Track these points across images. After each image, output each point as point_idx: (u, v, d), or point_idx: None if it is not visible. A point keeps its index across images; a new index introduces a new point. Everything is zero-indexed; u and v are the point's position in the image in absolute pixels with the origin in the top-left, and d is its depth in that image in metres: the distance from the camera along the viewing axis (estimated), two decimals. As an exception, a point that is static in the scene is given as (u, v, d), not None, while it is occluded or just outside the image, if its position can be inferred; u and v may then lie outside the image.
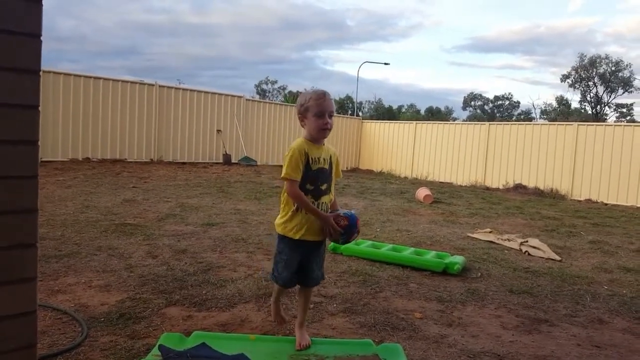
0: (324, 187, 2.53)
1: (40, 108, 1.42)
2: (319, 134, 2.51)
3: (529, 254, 5.49)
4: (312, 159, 2.49)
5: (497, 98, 70.89)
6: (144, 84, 13.27)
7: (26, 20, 1.36)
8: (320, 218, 2.48)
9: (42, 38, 1.40)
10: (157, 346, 2.39)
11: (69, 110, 11.63)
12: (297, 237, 2.50)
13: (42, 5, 1.39)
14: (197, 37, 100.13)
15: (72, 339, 2.61)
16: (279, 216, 2.60)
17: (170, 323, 2.93)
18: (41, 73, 1.44)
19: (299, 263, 2.56)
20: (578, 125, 13.25)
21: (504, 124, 15.09)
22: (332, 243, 4.97)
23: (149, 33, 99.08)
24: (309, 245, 2.54)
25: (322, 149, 2.56)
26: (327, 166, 2.56)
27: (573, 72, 53.93)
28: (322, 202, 2.53)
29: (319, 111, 2.46)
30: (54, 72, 11.43)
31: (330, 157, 2.60)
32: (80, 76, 11.95)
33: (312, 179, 2.48)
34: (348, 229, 2.47)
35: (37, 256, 1.44)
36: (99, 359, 2.43)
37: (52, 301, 3.15)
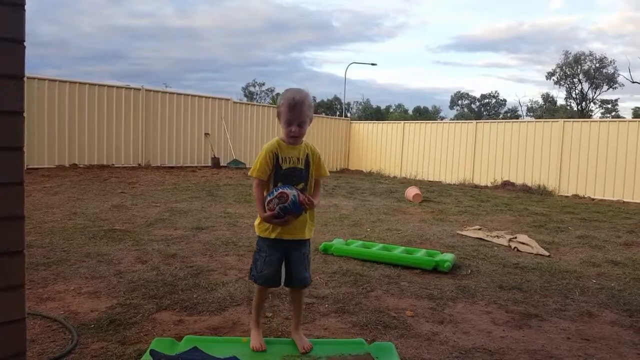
0: (299, 186, 2.53)
1: (25, 114, 1.41)
2: (288, 139, 2.56)
3: (517, 250, 5.54)
4: (282, 158, 2.53)
5: (483, 96, 71.49)
6: (130, 88, 13.18)
7: (9, 26, 1.35)
8: (261, 218, 2.51)
9: (25, 44, 1.39)
10: (148, 351, 2.38)
11: (55, 116, 11.52)
12: (272, 236, 2.53)
13: (24, 10, 1.38)
14: (182, 40, 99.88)
15: (62, 347, 2.59)
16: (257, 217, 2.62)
17: (161, 328, 2.92)
18: (25, 79, 1.43)
19: (281, 261, 2.56)
20: (564, 121, 13.40)
21: (491, 122, 15.20)
22: (322, 244, 5.00)
23: (133, 37, 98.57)
24: (288, 244, 2.56)
25: (297, 148, 2.57)
26: (301, 165, 2.56)
27: (558, 70, 54.47)
28: None
29: (287, 120, 2.51)
30: (39, 78, 11.32)
31: (307, 155, 2.59)
32: (65, 82, 11.85)
33: (284, 178, 2.50)
34: (280, 204, 2.41)
35: (24, 263, 1.42)
36: (89, 366, 2.41)
37: (42, 309, 3.12)
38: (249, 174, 2.54)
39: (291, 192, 2.42)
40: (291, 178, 2.52)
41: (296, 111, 2.49)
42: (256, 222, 2.61)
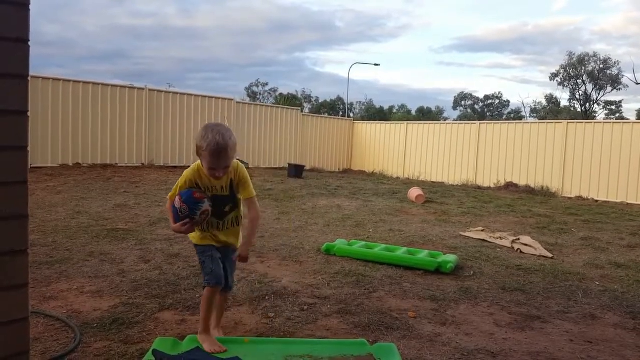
0: (227, 208, 2.60)
1: (29, 114, 1.41)
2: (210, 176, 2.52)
3: (520, 251, 5.52)
4: (204, 187, 2.54)
5: (487, 97, 71.36)
6: (134, 88, 13.19)
7: (13, 25, 1.35)
8: (173, 230, 2.57)
9: (29, 43, 1.39)
10: (151, 351, 2.38)
11: (59, 115, 11.54)
12: (203, 243, 2.59)
13: (29, 10, 1.39)
14: (185, 40, 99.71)
15: (65, 346, 2.59)
16: None
17: (164, 327, 2.92)
18: (29, 78, 1.43)
19: (221, 260, 2.60)
20: (568, 123, 13.35)
21: (495, 123, 15.16)
22: (325, 245, 5.00)
23: (136, 37, 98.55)
24: (223, 249, 2.63)
25: (220, 178, 2.52)
26: (226, 192, 2.57)
27: (562, 71, 54.36)
28: (228, 220, 2.61)
29: (210, 166, 2.44)
30: (43, 78, 11.34)
31: (231, 180, 2.57)
32: (69, 81, 11.87)
33: (212, 203, 2.51)
34: (185, 208, 2.43)
35: (28, 262, 1.43)
36: (92, 365, 2.41)
37: (45, 308, 3.13)
38: (168, 196, 2.60)
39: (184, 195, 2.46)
40: (217, 204, 2.54)
41: (221, 158, 2.41)
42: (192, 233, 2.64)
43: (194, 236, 2.62)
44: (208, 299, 2.55)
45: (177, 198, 2.45)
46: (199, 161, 2.53)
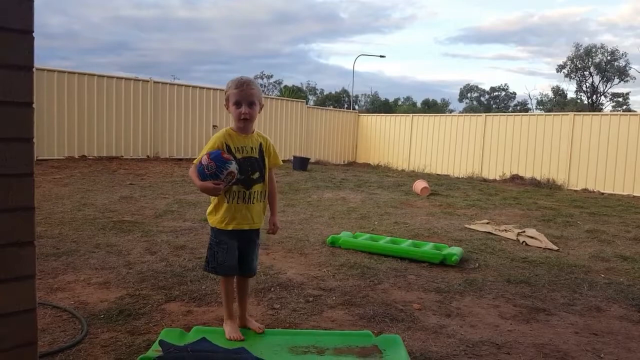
0: (255, 175, 2.54)
1: (34, 105, 1.41)
2: (238, 124, 2.53)
3: (526, 244, 5.51)
4: (235, 148, 2.50)
5: (493, 89, 70.87)
6: (139, 80, 13.20)
7: (18, 16, 1.35)
8: (200, 188, 2.44)
9: (34, 34, 1.39)
10: (157, 341, 2.40)
11: (64, 108, 11.58)
12: (229, 228, 2.52)
13: (33, 1, 1.38)
14: (189, 32, 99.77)
15: (72, 336, 2.62)
16: (210, 206, 2.61)
17: (170, 318, 2.94)
18: (35, 70, 1.43)
19: (239, 250, 2.57)
20: (574, 115, 13.26)
21: (501, 115, 15.08)
22: (330, 237, 5.00)
23: (140, 29, 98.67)
24: (244, 234, 2.57)
25: (250, 137, 2.56)
26: (255, 155, 2.55)
27: (569, 62, 53.88)
28: (254, 191, 2.55)
29: (236, 100, 2.48)
30: (48, 70, 11.37)
31: (260, 145, 2.58)
32: (74, 73, 11.89)
33: (240, 167, 2.46)
34: (216, 168, 2.37)
35: (35, 254, 1.44)
36: (99, 355, 2.44)
37: (52, 299, 3.16)
38: (194, 162, 2.47)
39: (213, 156, 2.40)
40: (246, 168, 2.50)
41: (244, 89, 2.46)
42: (209, 209, 2.61)
43: (214, 217, 2.56)
44: (224, 288, 2.61)
45: (204, 157, 2.39)
46: (225, 127, 2.58)
